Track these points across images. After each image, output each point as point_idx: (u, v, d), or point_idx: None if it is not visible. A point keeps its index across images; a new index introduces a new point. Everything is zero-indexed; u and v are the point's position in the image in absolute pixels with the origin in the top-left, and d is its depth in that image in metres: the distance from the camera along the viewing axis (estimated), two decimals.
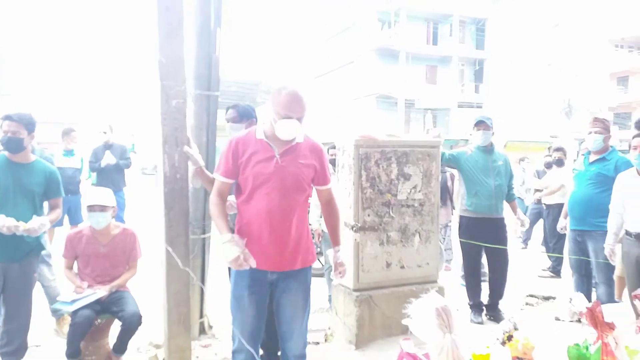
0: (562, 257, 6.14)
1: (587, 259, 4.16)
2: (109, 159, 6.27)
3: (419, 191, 3.82)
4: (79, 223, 6.11)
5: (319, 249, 6.18)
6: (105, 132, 6.42)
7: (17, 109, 3.06)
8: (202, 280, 3.81)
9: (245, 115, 3.28)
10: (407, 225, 3.77)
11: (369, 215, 3.64)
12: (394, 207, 3.72)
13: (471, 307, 4.52)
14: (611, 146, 4.13)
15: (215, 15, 3.58)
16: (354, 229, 3.60)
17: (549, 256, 6.65)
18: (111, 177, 6.34)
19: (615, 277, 4.58)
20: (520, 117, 27.54)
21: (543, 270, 6.51)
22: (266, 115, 2.48)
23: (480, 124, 4.45)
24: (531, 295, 5.35)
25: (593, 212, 4.02)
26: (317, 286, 5.54)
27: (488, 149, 4.46)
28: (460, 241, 4.59)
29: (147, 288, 3.98)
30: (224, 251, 2.30)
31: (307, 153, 2.48)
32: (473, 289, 4.55)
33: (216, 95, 3.75)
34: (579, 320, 4.11)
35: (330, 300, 5.01)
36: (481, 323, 4.34)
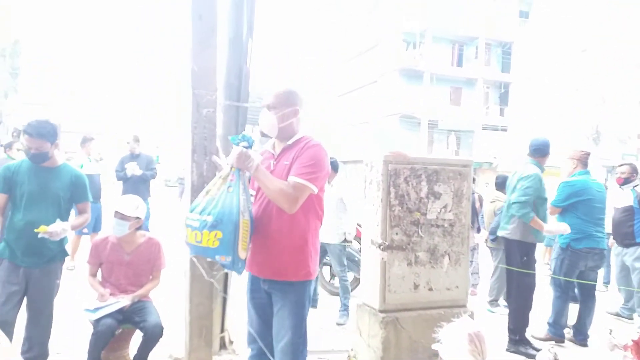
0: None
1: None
2: (134, 169, 6.31)
3: (449, 211, 3.71)
4: (99, 231, 6.14)
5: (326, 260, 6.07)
6: (128, 143, 6.49)
7: (36, 120, 2.97)
8: (225, 292, 3.74)
9: None
10: (437, 245, 3.65)
11: (397, 233, 3.54)
12: (423, 226, 3.61)
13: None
14: (575, 174, 4.50)
15: (248, 25, 3.58)
16: (382, 247, 3.49)
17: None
18: (136, 187, 6.37)
19: None
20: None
21: None
22: None
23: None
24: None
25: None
26: (332, 303, 5.47)
27: None
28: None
29: (169, 299, 3.93)
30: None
31: (294, 154, 2.35)
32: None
33: (245, 107, 3.73)
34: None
35: (343, 312, 4.89)
36: None
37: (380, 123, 28.59)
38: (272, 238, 2.34)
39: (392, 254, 3.52)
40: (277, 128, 2.39)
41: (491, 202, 5.94)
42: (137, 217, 3.26)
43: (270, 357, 2.46)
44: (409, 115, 27.69)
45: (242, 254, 2.26)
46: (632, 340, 2.43)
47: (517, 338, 4.23)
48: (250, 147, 2.27)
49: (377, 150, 3.86)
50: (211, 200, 2.22)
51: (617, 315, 5.44)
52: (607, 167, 27.73)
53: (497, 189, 6.06)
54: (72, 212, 3.18)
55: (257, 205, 2.42)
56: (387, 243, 3.51)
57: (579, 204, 4.37)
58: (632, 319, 5.29)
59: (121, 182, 6.52)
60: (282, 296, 2.38)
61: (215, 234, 2.16)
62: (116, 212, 3.20)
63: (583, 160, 4.53)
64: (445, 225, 3.70)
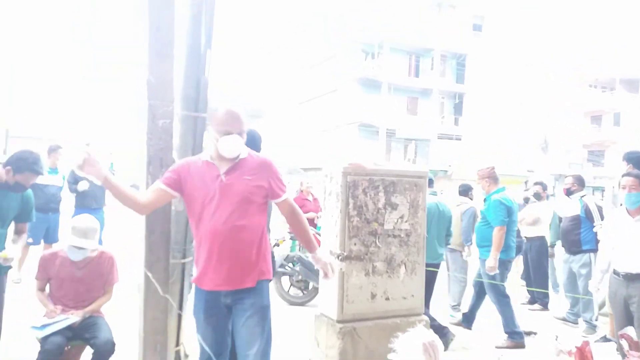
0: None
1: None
2: (84, 186, 6.11)
3: (406, 221, 3.79)
4: (54, 243, 5.90)
5: (300, 277, 6.08)
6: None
7: (28, 154, 3.00)
8: (180, 307, 3.66)
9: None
10: (394, 255, 3.72)
11: (355, 244, 3.58)
12: (381, 236, 3.68)
13: None
14: (498, 189, 4.81)
15: (206, 36, 3.54)
16: (340, 258, 3.53)
17: (529, 290, 6.67)
18: (93, 193, 6.18)
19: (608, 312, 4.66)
20: (498, 150, 28.10)
21: (522, 304, 6.50)
22: (209, 137, 2.56)
23: None
24: None
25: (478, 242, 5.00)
26: (298, 314, 5.45)
27: None
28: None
29: (122, 315, 3.81)
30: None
31: (254, 169, 2.48)
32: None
33: (203, 117, 3.68)
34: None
35: None
36: None
37: (340, 131, 28.84)
38: (237, 249, 2.39)
39: (350, 264, 3.56)
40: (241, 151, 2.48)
41: (457, 205, 6.17)
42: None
43: None
44: (367, 124, 28.07)
45: None
46: (576, 347, 2.54)
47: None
48: None
49: (336, 161, 3.91)
50: None
51: (564, 319, 5.69)
52: (554, 175, 29.07)
53: (460, 195, 6.42)
54: None
55: (214, 221, 2.39)
56: (345, 253, 3.55)
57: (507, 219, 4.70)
58: (577, 323, 5.53)
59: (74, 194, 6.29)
60: (251, 303, 2.43)
61: None
62: (75, 245, 3.07)
63: (493, 176, 4.87)
64: (402, 235, 3.77)
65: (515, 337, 4.67)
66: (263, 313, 2.46)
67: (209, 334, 2.50)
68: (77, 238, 3.05)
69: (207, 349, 2.50)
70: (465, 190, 6.42)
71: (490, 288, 4.81)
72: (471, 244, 6.95)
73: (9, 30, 23.58)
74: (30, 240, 5.40)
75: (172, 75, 2.91)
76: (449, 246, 6.00)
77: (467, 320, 5.16)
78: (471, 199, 7.42)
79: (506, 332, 4.71)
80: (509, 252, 4.78)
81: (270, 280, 2.60)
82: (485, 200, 4.90)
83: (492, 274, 4.70)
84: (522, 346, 4.63)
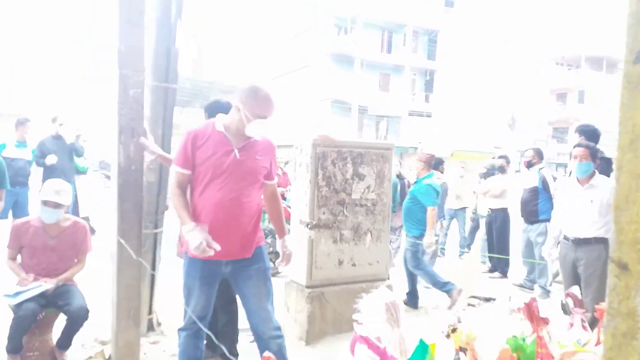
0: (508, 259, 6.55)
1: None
2: (52, 160, 6.04)
3: (372, 191, 3.94)
4: (23, 217, 5.85)
5: (271, 249, 6.21)
6: (61, 124, 6.19)
7: None
8: (153, 276, 3.75)
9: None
10: (360, 224, 3.88)
11: (324, 213, 3.72)
12: (348, 206, 3.82)
13: None
14: (429, 175, 5.08)
15: (176, 7, 3.55)
16: (309, 226, 3.66)
17: (490, 258, 7.00)
18: (62, 167, 6.11)
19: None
20: (466, 127, 28.64)
21: (483, 272, 6.82)
22: (233, 110, 2.55)
23: None
24: (473, 297, 5.60)
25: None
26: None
27: None
28: None
29: (95, 284, 3.86)
30: (188, 239, 2.36)
31: (263, 150, 2.63)
32: None
33: (174, 88, 3.71)
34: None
35: None
36: None
37: (313, 107, 28.78)
38: (241, 222, 2.52)
39: (319, 232, 3.71)
40: None
41: None
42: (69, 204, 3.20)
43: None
44: (340, 100, 28.08)
45: None
46: (524, 303, 2.72)
47: None
48: None
49: (307, 134, 4.01)
50: None
51: (521, 286, 6.03)
52: (520, 152, 29.88)
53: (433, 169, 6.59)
54: None
55: (222, 194, 2.47)
56: (314, 222, 3.68)
57: None
58: (532, 289, 5.88)
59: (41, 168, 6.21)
60: (256, 268, 2.62)
61: None
62: (49, 201, 3.09)
63: (429, 162, 5.15)
64: (369, 204, 3.93)
65: (450, 288, 4.85)
66: (266, 274, 2.68)
67: (202, 301, 2.59)
68: (51, 194, 3.09)
69: (193, 316, 2.60)
70: (436, 164, 6.66)
71: (411, 256, 4.96)
72: (444, 218, 7.49)
73: (9, 29, 22.53)
74: None
75: (142, 44, 2.93)
76: None
77: (413, 297, 5.11)
78: (442, 173, 7.65)
79: (443, 291, 4.91)
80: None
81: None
82: (416, 182, 5.15)
83: (429, 250, 5.04)
84: (459, 292, 4.86)
